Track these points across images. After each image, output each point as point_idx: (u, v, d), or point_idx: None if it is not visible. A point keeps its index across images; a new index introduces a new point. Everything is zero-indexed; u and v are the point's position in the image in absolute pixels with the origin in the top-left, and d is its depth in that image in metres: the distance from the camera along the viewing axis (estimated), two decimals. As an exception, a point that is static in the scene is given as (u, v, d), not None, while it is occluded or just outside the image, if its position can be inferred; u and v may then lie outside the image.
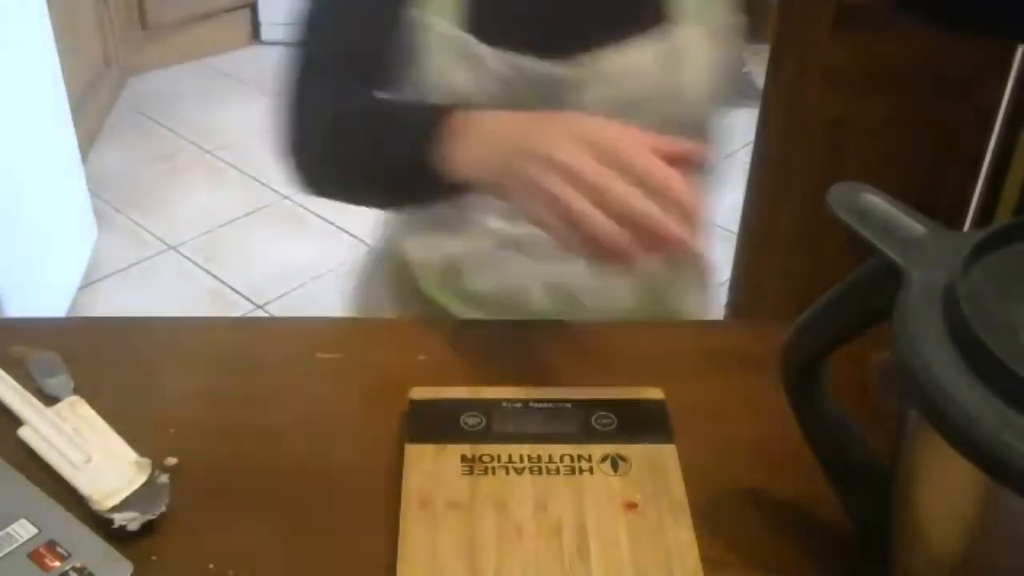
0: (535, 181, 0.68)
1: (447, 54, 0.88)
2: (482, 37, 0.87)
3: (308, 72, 0.89)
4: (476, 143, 0.76)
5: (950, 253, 0.54)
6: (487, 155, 0.75)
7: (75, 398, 0.76)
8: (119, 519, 0.66)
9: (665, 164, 0.66)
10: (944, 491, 0.55)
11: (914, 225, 0.58)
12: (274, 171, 3.20)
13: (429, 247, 0.98)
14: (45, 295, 2.15)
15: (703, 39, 0.90)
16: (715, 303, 1.10)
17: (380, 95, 0.88)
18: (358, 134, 0.85)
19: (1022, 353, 0.48)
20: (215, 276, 2.46)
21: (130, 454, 0.71)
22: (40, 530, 0.64)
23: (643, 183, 0.66)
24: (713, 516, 0.66)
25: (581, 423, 0.73)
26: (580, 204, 0.66)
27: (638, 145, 0.68)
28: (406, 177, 0.82)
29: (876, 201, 0.59)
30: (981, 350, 0.49)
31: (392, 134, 0.83)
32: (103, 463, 0.70)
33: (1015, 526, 0.50)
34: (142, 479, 0.69)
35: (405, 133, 0.81)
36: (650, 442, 0.71)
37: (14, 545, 0.63)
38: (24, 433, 0.73)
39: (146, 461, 0.70)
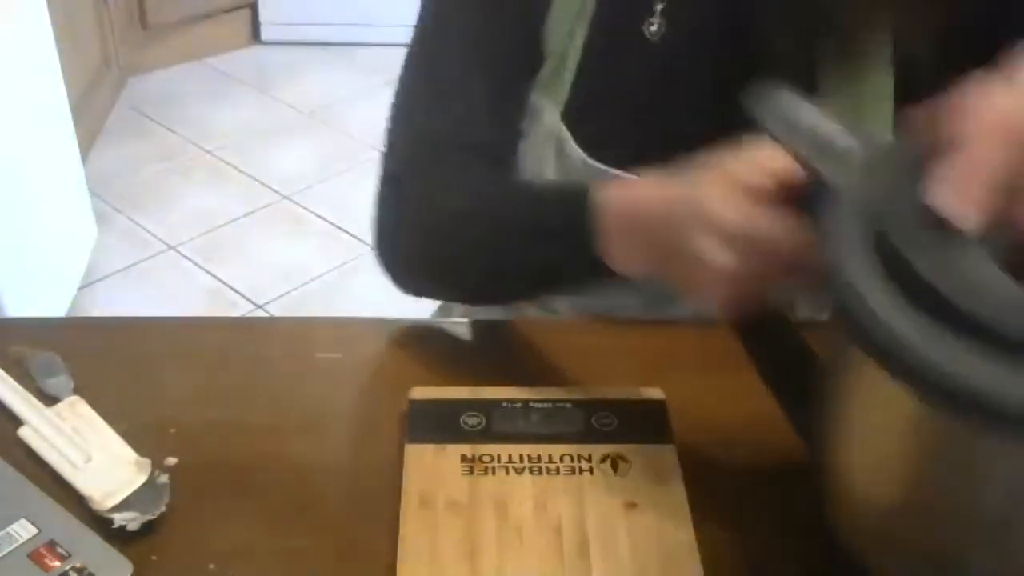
0: (694, 282, 0.64)
1: (543, 144, 0.81)
2: (579, 137, 0.80)
3: (423, 155, 0.81)
4: (635, 244, 0.69)
5: (884, 170, 0.52)
6: (647, 258, 0.69)
7: (75, 398, 0.76)
8: (119, 519, 0.66)
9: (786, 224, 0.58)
10: (872, 415, 0.54)
11: (848, 140, 0.55)
12: (274, 171, 3.17)
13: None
14: (45, 295, 2.15)
15: None
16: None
17: (498, 182, 0.80)
18: (483, 233, 0.77)
19: (950, 274, 0.47)
20: (215, 276, 2.46)
21: (130, 454, 0.71)
22: (40, 530, 0.64)
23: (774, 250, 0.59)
24: (713, 516, 0.66)
25: (581, 423, 0.73)
26: (736, 293, 0.62)
27: (761, 220, 0.59)
28: (550, 280, 0.77)
29: (812, 112, 0.57)
30: (907, 269, 0.48)
31: (534, 237, 0.75)
32: (103, 463, 0.70)
33: (944, 450, 0.50)
34: (142, 479, 0.68)
35: (551, 237, 0.73)
36: (650, 442, 0.71)
37: (14, 545, 0.63)
38: (24, 433, 0.73)
39: (146, 461, 0.70)
